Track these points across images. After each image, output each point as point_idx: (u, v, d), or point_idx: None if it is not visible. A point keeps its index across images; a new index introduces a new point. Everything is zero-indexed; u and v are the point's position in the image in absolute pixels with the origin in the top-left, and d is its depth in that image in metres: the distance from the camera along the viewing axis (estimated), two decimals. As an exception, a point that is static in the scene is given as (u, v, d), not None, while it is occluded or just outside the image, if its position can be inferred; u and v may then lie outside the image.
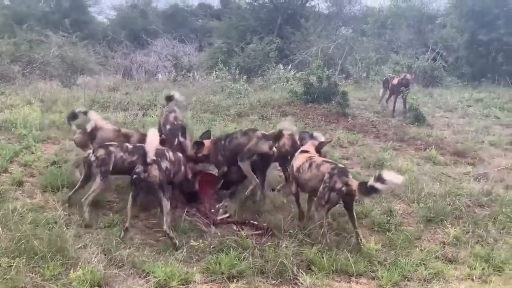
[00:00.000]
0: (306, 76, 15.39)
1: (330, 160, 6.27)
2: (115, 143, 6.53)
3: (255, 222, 6.30)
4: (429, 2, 29.54)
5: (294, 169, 6.33)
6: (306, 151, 6.47)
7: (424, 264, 5.58)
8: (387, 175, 5.42)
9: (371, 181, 5.48)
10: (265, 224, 6.24)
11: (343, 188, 5.67)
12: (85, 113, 7.45)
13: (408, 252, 5.86)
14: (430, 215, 6.88)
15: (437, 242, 6.30)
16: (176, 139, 7.10)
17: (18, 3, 30.36)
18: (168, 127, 7.30)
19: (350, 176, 5.83)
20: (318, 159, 6.16)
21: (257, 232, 6.11)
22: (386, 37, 27.31)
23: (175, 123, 7.37)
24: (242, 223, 6.33)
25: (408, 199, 7.46)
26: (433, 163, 9.59)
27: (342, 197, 5.78)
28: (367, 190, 5.54)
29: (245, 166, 6.78)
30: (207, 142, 7.10)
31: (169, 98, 8.09)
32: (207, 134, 7.44)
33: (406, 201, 7.43)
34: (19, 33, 21.77)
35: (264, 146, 6.72)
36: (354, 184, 5.71)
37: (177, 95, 8.15)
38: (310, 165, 6.07)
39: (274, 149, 6.84)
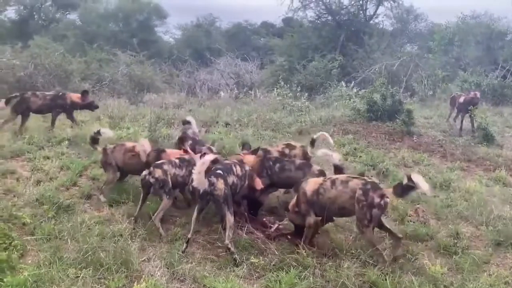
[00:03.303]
0: (370, 93, 15.17)
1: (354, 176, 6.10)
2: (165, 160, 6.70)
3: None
4: (499, 18, 28.59)
5: (309, 194, 5.98)
6: None
7: (493, 290, 5.34)
8: (416, 178, 5.46)
9: (405, 181, 5.52)
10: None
11: (382, 202, 5.55)
12: (99, 132, 7.68)
13: (476, 276, 5.61)
14: (499, 238, 6.58)
15: (506, 267, 6.01)
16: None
17: (89, 23, 31.91)
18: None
19: (383, 188, 5.75)
20: (340, 176, 6.05)
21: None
22: (453, 54, 26.53)
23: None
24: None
25: (476, 221, 7.18)
26: (503, 185, 9.18)
27: (383, 211, 5.67)
28: (402, 190, 5.56)
29: None
30: (250, 157, 7.11)
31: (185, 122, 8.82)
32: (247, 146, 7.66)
33: (473, 224, 7.15)
34: (89, 52, 22.92)
35: None
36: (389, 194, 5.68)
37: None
38: (333, 183, 5.86)
39: None
